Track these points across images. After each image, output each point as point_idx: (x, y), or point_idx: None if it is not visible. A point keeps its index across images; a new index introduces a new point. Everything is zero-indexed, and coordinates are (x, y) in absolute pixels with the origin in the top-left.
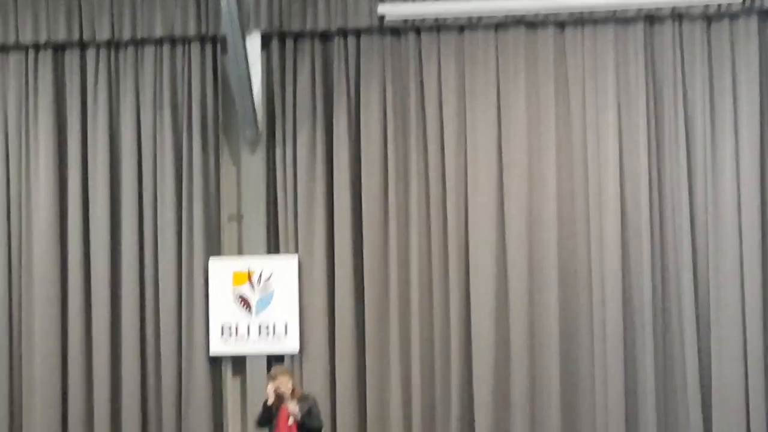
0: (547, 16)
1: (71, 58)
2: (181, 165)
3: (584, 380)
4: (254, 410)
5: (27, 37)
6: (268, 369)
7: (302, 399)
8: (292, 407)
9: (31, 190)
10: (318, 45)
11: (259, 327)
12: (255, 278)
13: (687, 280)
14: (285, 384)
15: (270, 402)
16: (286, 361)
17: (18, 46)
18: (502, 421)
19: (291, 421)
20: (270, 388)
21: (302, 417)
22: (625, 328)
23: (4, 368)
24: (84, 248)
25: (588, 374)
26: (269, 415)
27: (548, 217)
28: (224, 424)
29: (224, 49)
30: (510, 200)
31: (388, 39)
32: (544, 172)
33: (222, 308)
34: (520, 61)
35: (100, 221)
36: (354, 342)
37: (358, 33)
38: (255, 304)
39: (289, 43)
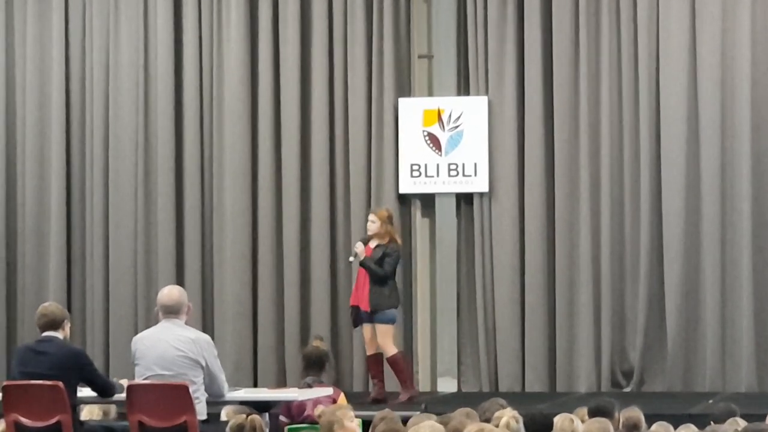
0: None
1: None
2: (372, 2)
3: None
4: (442, 249)
5: None
6: (458, 208)
7: (386, 245)
8: (358, 245)
9: (222, 25)
10: None
11: (449, 166)
12: (445, 117)
13: None
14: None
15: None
16: (475, 201)
17: None
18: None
19: (351, 258)
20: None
21: (363, 259)
22: None
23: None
24: (274, 85)
25: None
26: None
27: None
28: (412, 263)
29: None
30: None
31: None
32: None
33: (411, 148)
34: None
35: (290, 57)
36: (544, 182)
37: None
38: (444, 144)
39: None
